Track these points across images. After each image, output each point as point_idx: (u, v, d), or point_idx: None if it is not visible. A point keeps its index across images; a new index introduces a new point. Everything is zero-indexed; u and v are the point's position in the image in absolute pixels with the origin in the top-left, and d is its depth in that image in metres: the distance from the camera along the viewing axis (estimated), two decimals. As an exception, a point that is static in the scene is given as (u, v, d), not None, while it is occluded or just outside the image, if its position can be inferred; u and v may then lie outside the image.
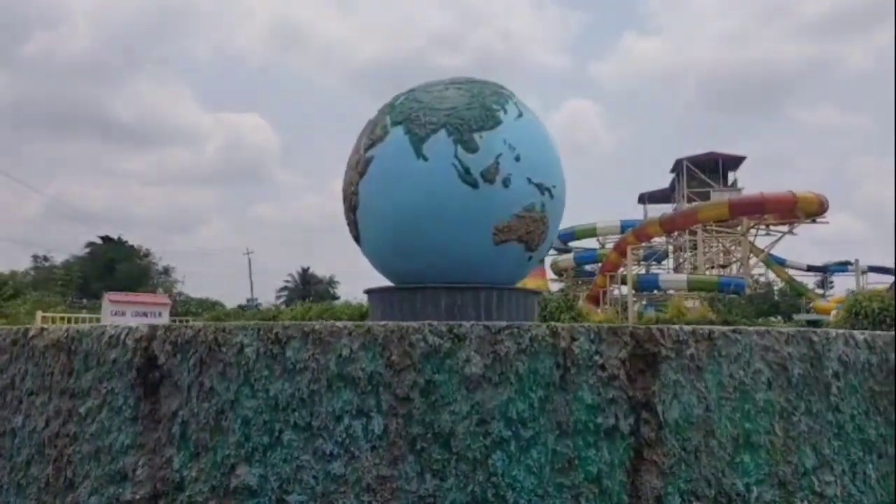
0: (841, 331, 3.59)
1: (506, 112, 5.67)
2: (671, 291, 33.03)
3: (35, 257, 50.84)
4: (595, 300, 35.24)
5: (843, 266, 40.92)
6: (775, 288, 36.36)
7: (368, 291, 6.47)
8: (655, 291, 34.68)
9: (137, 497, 3.15)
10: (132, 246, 51.18)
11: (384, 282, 6.33)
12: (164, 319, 17.78)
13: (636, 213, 46.48)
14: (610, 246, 39.09)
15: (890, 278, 33.71)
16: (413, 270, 5.80)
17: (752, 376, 3.24)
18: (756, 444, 3.20)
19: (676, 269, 39.96)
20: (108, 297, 18.69)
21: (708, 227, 35.32)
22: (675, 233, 36.84)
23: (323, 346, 3.10)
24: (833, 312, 23.66)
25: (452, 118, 5.49)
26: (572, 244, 44.53)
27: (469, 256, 5.60)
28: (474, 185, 5.38)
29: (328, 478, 3.02)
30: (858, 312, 12.59)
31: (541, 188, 5.63)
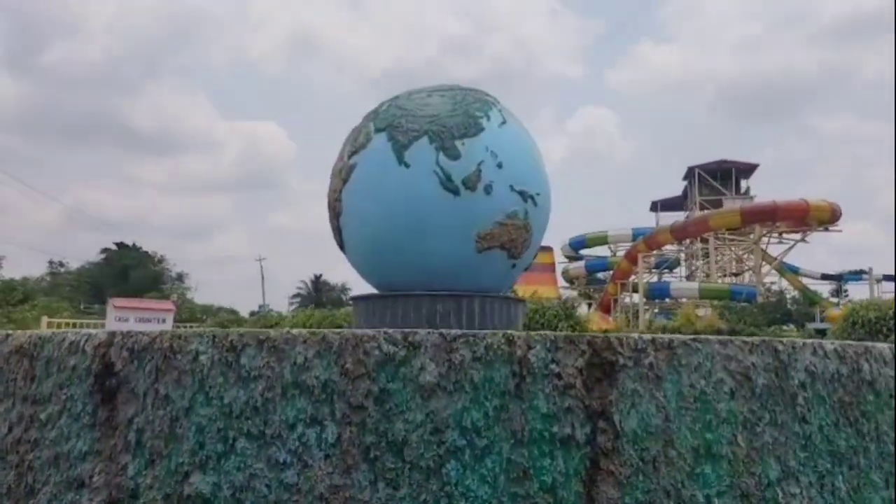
0: (809, 340, 3.53)
1: (489, 119, 5.65)
2: (683, 300, 32.73)
3: (51, 262, 51.31)
4: (606, 308, 35.02)
5: (857, 275, 40.31)
6: (788, 296, 35.94)
7: (353, 299, 6.43)
8: (667, 300, 34.38)
9: (94, 504, 3.15)
10: (146, 252, 51.57)
11: (372, 289, 6.30)
12: (168, 326, 17.79)
13: (649, 220, 46.12)
14: (621, 254, 38.88)
15: (907, 287, 33.16)
16: (396, 277, 5.77)
17: (713, 386, 3.19)
18: (717, 455, 3.15)
19: (688, 277, 39.55)
20: (113, 302, 18.71)
21: (720, 235, 35.00)
22: (687, 240, 36.56)
23: (278, 354, 3.09)
24: (843, 322, 23.30)
25: (434, 125, 5.48)
26: (583, 252, 44.29)
27: (452, 264, 5.56)
28: (456, 193, 5.36)
29: (281, 486, 3.01)
30: (855, 322, 12.38)
31: (524, 195, 5.60)
